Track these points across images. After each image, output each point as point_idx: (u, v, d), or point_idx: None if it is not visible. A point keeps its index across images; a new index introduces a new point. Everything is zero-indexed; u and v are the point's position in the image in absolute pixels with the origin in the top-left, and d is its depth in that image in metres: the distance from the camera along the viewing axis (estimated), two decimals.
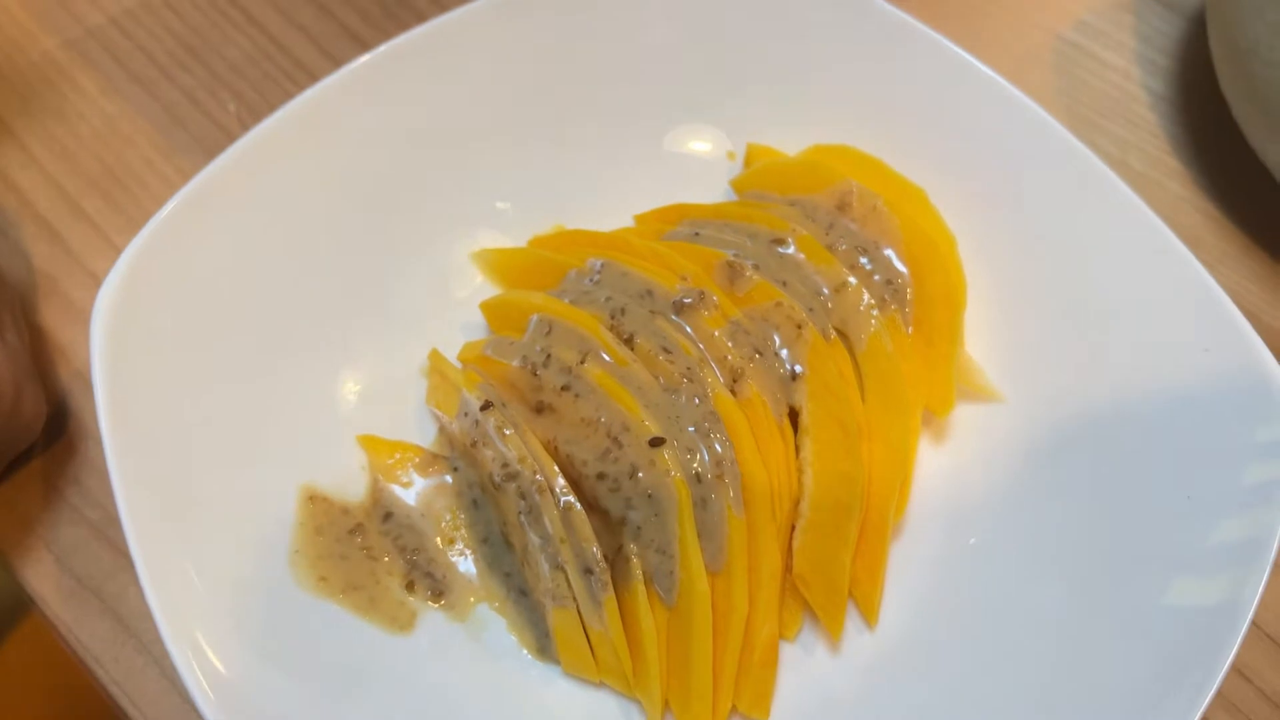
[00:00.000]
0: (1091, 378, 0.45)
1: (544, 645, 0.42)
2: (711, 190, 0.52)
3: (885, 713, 0.41)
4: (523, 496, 0.41)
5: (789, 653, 0.43)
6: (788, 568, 0.43)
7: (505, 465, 0.41)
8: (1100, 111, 0.60)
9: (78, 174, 0.55)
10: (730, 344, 0.44)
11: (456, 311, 0.49)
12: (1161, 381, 0.44)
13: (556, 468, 0.41)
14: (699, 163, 0.52)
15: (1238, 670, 0.45)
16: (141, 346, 0.41)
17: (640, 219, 0.50)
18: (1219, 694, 0.42)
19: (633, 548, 0.41)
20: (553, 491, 0.41)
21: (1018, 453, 0.46)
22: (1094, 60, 0.61)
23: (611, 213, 0.51)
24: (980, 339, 0.48)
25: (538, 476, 0.41)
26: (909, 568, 0.44)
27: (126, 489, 0.38)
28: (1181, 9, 0.63)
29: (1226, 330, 0.42)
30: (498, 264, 0.49)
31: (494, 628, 0.42)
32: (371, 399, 0.46)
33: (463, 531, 0.44)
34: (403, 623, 0.41)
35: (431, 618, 0.42)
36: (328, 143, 0.47)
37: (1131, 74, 0.61)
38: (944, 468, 0.46)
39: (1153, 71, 0.61)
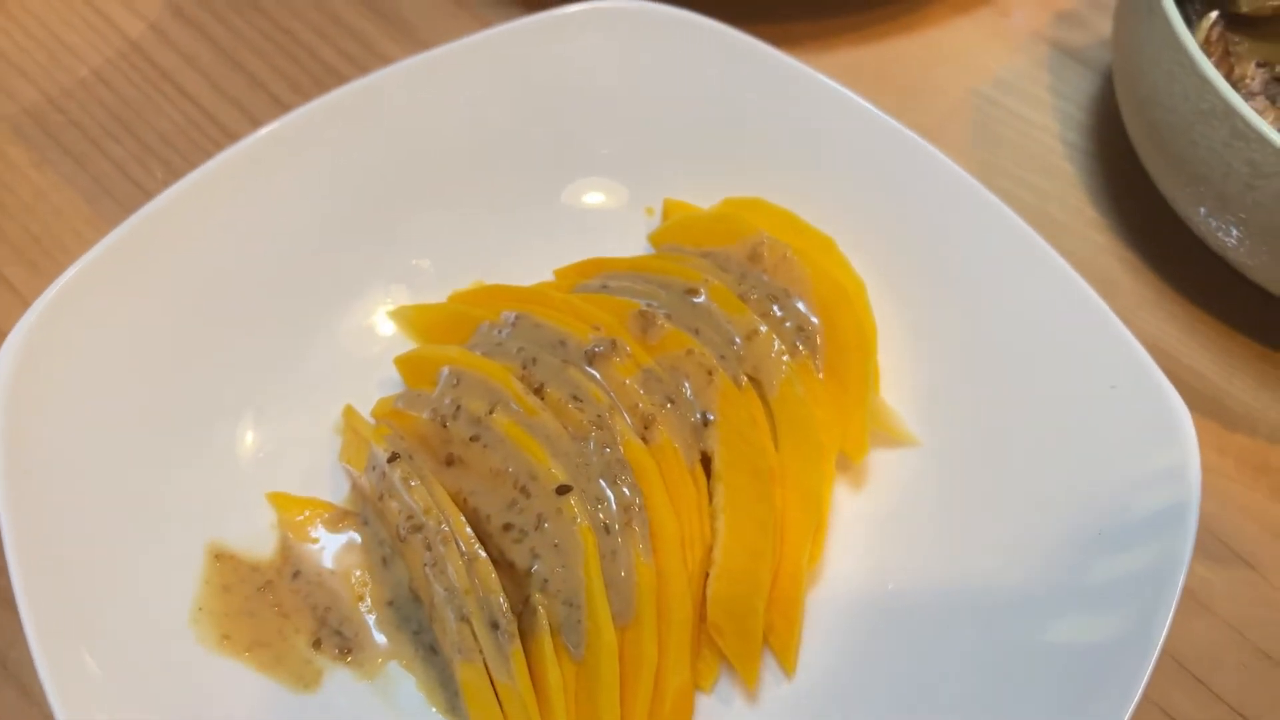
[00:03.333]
0: (1003, 418, 0.46)
1: (454, 704, 0.41)
2: (630, 245, 0.52)
3: None
4: (428, 548, 0.40)
5: (706, 705, 0.42)
6: (702, 617, 0.42)
7: (410, 517, 0.41)
8: (1019, 164, 0.61)
9: (3, 242, 0.55)
10: (642, 391, 0.44)
11: (373, 369, 0.49)
12: (1071, 419, 0.44)
13: (463, 518, 0.41)
14: (618, 218, 0.53)
15: (1162, 709, 0.44)
16: (44, 406, 0.41)
17: (559, 273, 0.51)
18: None
19: (540, 598, 0.40)
20: (458, 541, 0.40)
21: (933, 496, 0.46)
22: (1012, 115, 0.63)
23: (533, 269, 0.51)
24: (894, 384, 0.48)
25: (443, 526, 0.40)
26: (826, 614, 0.44)
27: (21, 557, 0.37)
28: (1095, 65, 0.65)
29: (1130, 365, 0.43)
30: (415, 320, 0.49)
31: (403, 686, 0.42)
32: (283, 457, 0.46)
33: (372, 588, 0.43)
34: (308, 681, 0.40)
35: (338, 676, 0.41)
36: (243, 201, 0.47)
37: (1049, 127, 0.62)
38: (861, 513, 0.46)
39: (1069, 125, 0.63)
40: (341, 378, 0.48)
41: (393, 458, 0.42)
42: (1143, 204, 0.58)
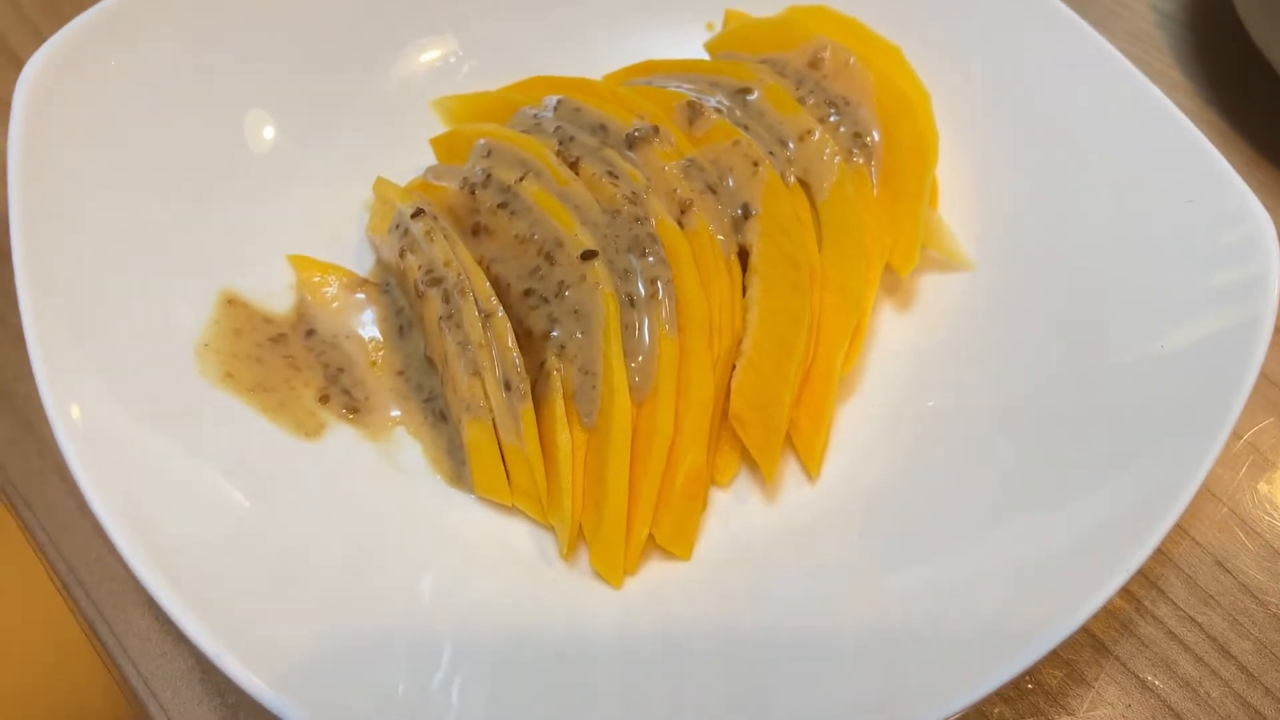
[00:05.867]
0: (1067, 240, 0.42)
1: (459, 472, 0.39)
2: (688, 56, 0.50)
3: (817, 566, 0.38)
4: (446, 300, 0.39)
5: (722, 501, 0.40)
6: (725, 409, 0.40)
7: (430, 271, 0.39)
8: (1106, 28, 0.57)
9: None
10: (682, 177, 0.42)
11: (411, 156, 0.47)
12: (1143, 236, 0.41)
13: (482, 275, 0.39)
14: (676, 29, 0.51)
15: (1225, 568, 0.41)
16: (67, 135, 0.40)
17: (609, 76, 0.48)
18: (1199, 585, 0.39)
19: (555, 363, 0.38)
20: (475, 297, 0.38)
21: (986, 319, 0.43)
22: None
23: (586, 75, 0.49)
24: (954, 206, 0.45)
25: (461, 278, 0.39)
26: (859, 425, 0.41)
27: (28, 263, 0.36)
28: None
29: (1209, 176, 0.39)
30: (456, 109, 0.47)
31: (409, 451, 0.40)
32: (310, 225, 0.44)
33: (386, 354, 0.41)
34: (310, 430, 0.39)
35: (343, 432, 0.40)
36: None
37: None
38: (908, 333, 0.44)
39: None
40: (377, 163, 0.46)
41: (416, 213, 0.41)
42: (1236, 69, 0.55)
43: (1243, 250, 0.38)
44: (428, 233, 0.40)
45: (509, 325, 0.38)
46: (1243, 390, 0.35)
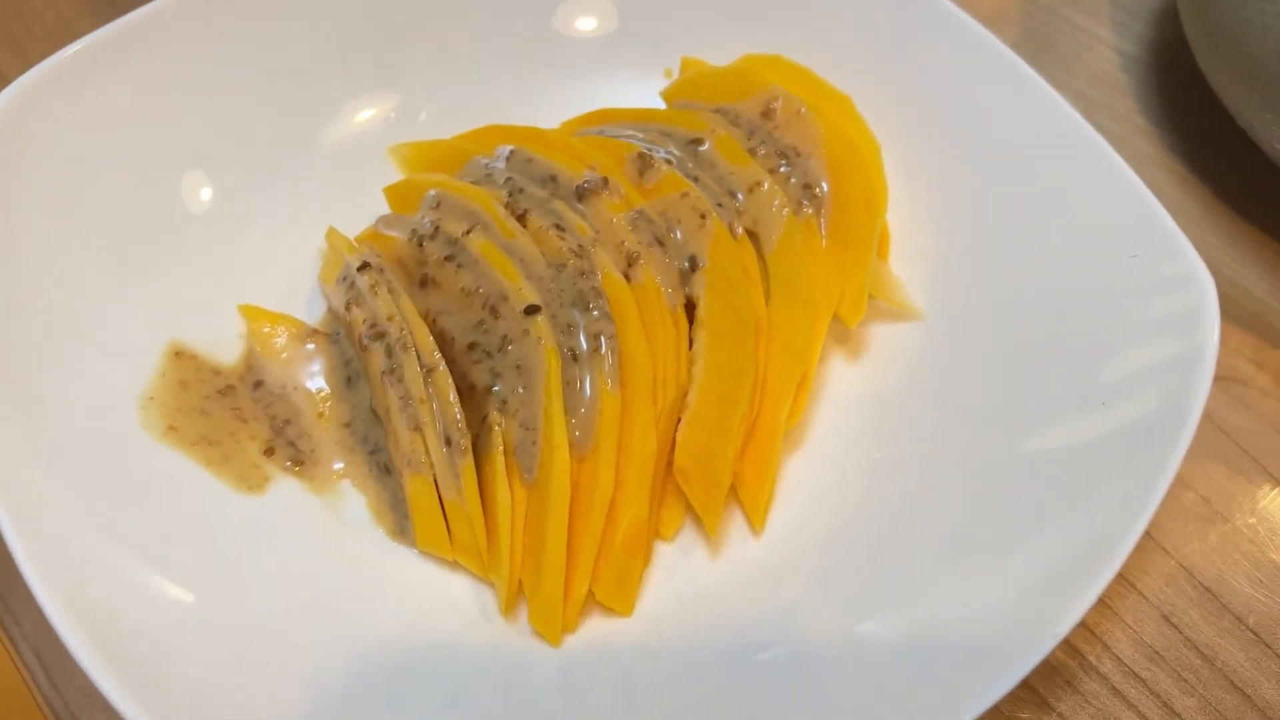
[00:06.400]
0: (1014, 293, 0.43)
1: (402, 525, 0.40)
2: (645, 104, 0.50)
3: (759, 619, 0.38)
4: (389, 354, 0.39)
5: (667, 554, 0.40)
6: (670, 463, 0.40)
7: (374, 325, 0.40)
8: (1069, 71, 0.57)
9: None
10: (630, 229, 0.42)
11: (369, 203, 0.47)
12: (1085, 290, 0.41)
13: (426, 329, 0.39)
14: (635, 75, 0.51)
15: (1165, 616, 0.41)
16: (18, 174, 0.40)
17: (565, 124, 0.49)
18: (1145, 641, 0.39)
19: (496, 418, 0.38)
20: (418, 351, 0.39)
21: (934, 369, 0.43)
22: (1066, 23, 0.59)
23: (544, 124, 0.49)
24: (904, 256, 0.45)
25: (404, 332, 0.39)
26: (806, 479, 0.41)
27: None
28: None
29: (1152, 230, 0.40)
30: (412, 157, 0.48)
31: (352, 504, 0.40)
32: (261, 275, 0.45)
33: (333, 406, 0.42)
34: (254, 484, 0.39)
35: (287, 485, 0.40)
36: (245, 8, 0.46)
37: (1105, 38, 0.59)
38: (858, 383, 0.44)
39: (1128, 37, 0.59)
40: (332, 211, 0.46)
41: (363, 266, 0.41)
42: (1198, 115, 0.55)
43: (1184, 307, 0.38)
44: (372, 286, 0.40)
45: (451, 381, 0.38)
46: (1180, 446, 0.35)
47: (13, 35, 0.56)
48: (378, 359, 0.39)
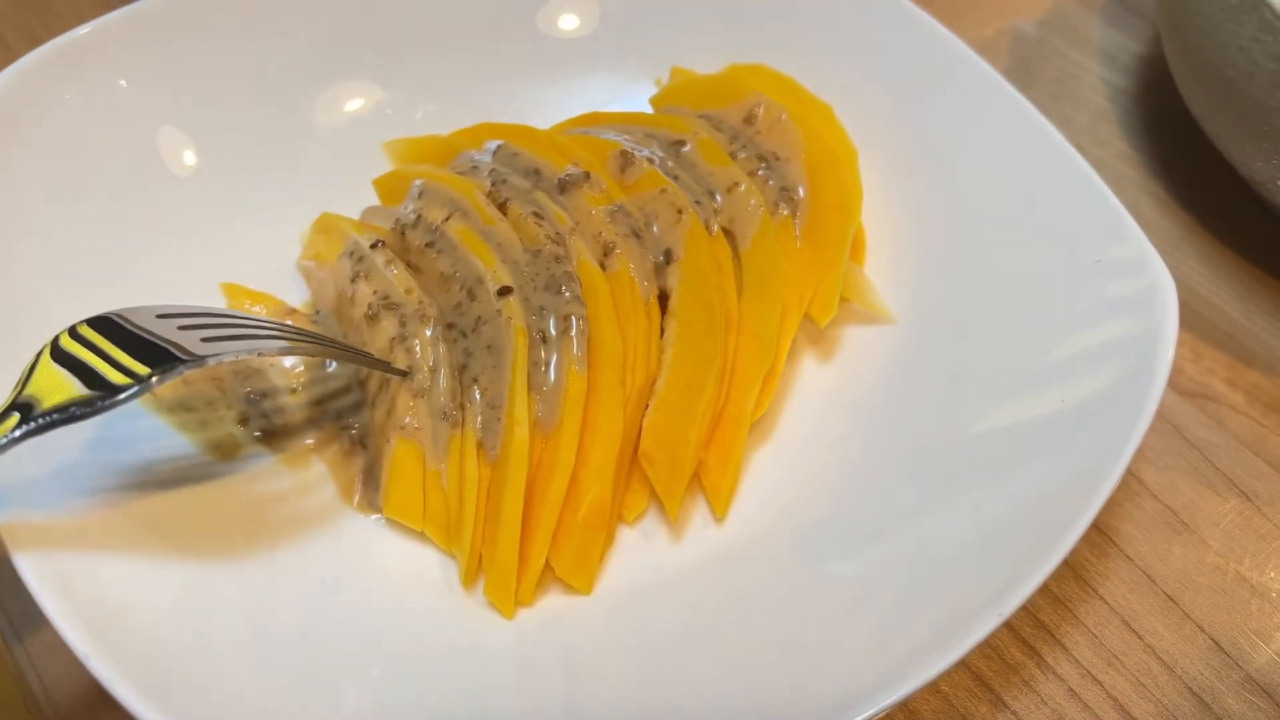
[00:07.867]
0: (983, 297, 0.43)
1: (371, 500, 0.40)
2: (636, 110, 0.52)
3: (717, 604, 0.38)
4: (402, 324, 0.40)
5: (629, 538, 0.40)
6: (637, 447, 0.41)
7: (386, 296, 0.41)
8: (1055, 98, 0.59)
9: None
10: (609, 222, 0.43)
11: (359, 196, 0.49)
12: (1050, 295, 0.41)
13: (437, 305, 0.41)
14: (627, 83, 0.52)
15: (1125, 622, 0.41)
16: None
17: (554, 127, 0.50)
18: (1104, 645, 0.39)
19: (469, 395, 0.39)
20: (433, 322, 0.40)
21: (903, 370, 0.43)
22: (1053, 53, 0.61)
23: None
24: (878, 260, 0.46)
25: (421, 304, 0.40)
26: (770, 470, 0.42)
27: None
28: (1149, 12, 0.62)
29: (1117, 235, 0.40)
30: (404, 151, 0.49)
31: (322, 476, 0.41)
32: (247, 257, 0.46)
33: (308, 381, 0.42)
34: (226, 451, 0.40)
35: (257, 455, 0.40)
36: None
37: (1090, 68, 0.60)
38: (827, 381, 0.44)
39: (1113, 67, 0.60)
40: (323, 195, 0.48)
41: (376, 244, 0.42)
42: (1181, 142, 0.56)
43: (1143, 306, 0.38)
44: (388, 262, 0.41)
45: (452, 357, 0.39)
46: (1137, 430, 0.36)
47: (33, 32, 0.58)
48: (388, 328, 0.40)
